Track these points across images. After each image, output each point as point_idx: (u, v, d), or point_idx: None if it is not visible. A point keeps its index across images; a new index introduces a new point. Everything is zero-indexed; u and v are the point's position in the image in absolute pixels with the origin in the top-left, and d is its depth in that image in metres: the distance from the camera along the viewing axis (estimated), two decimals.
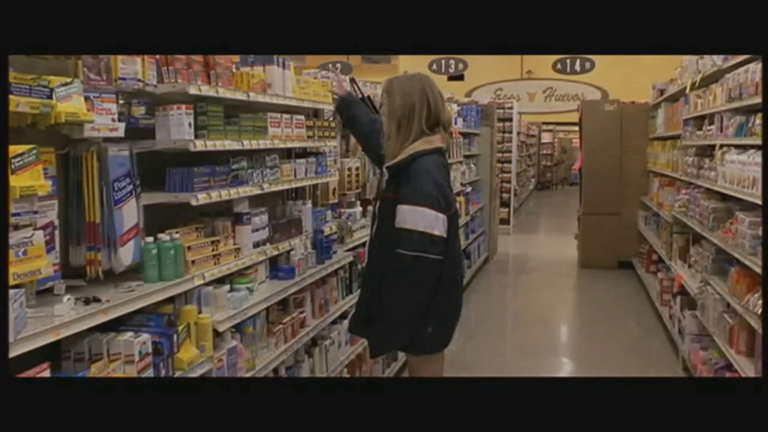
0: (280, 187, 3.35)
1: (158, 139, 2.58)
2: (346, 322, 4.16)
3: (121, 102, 2.36)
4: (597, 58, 17.23)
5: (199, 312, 2.63)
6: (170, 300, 2.55)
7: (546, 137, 24.89)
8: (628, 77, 16.86)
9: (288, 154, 3.79)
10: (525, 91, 19.69)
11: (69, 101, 2.03)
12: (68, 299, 2.09)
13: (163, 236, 2.51)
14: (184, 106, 2.56)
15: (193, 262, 2.61)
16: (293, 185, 3.56)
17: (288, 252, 3.41)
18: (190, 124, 2.58)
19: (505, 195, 12.47)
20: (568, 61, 17.42)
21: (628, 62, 16.79)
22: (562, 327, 7.04)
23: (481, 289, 8.17)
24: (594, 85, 18.85)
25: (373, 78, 5.56)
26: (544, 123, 22.38)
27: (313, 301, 3.64)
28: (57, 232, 2.13)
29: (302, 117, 3.58)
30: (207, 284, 2.71)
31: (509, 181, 13.09)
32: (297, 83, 3.61)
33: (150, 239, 2.46)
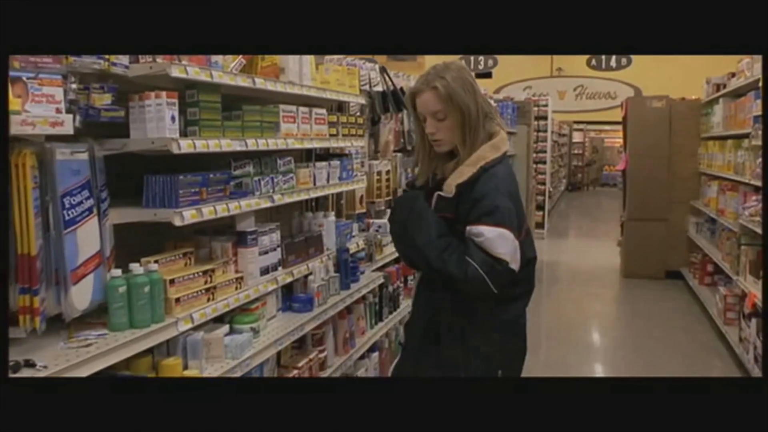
0: (295, 198, 2.70)
1: (132, 138, 1.96)
2: (375, 355, 3.52)
3: (74, 86, 1.72)
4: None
5: (185, 366, 2.00)
6: (148, 351, 1.92)
7: (577, 136, 24.20)
8: (665, 74, 16.21)
9: (306, 156, 3.17)
10: (554, 88, 19.19)
11: None
12: None
13: (136, 267, 1.88)
14: (165, 94, 1.94)
15: (177, 300, 1.98)
16: (312, 194, 2.90)
17: (305, 277, 2.79)
18: (173, 118, 1.95)
19: (539, 197, 11.75)
20: (603, 57, 16.68)
21: (667, 58, 16.06)
22: (609, 344, 6.34)
23: None
24: (627, 82, 18.23)
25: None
26: (575, 122, 21.75)
27: (336, 336, 3.00)
28: None
29: (323, 111, 2.95)
30: (197, 327, 2.08)
31: (543, 183, 12.38)
32: (317, 70, 2.96)
33: (117, 272, 1.83)
